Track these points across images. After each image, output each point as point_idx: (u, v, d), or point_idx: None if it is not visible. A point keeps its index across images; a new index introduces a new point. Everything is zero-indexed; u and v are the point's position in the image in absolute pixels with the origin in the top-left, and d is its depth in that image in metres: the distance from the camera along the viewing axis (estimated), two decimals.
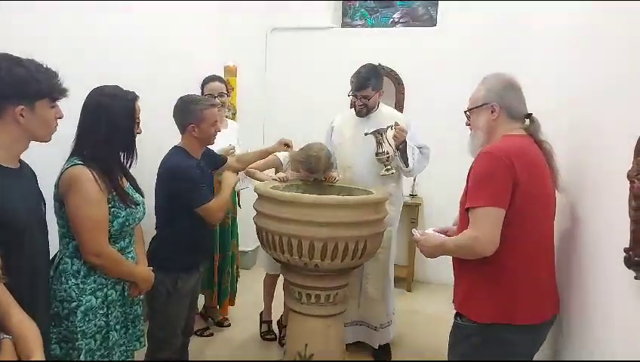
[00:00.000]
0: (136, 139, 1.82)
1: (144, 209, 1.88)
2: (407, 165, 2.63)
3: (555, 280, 1.68)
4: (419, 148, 2.71)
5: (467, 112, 1.81)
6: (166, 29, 3.15)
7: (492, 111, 1.71)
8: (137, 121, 1.82)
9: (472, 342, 1.64)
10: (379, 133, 2.55)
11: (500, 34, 3.77)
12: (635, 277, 1.17)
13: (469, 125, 1.83)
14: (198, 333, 3.06)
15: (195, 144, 2.21)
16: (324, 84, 4.28)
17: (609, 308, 1.38)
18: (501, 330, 1.59)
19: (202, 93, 2.90)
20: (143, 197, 1.89)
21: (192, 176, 2.09)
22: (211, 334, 3.14)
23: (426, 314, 3.66)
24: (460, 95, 3.80)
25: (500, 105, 1.69)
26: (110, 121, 1.70)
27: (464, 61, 3.98)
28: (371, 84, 2.69)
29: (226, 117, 3.17)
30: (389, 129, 2.54)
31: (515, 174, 1.54)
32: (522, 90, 1.72)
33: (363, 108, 2.74)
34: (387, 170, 2.57)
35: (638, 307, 1.19)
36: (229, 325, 3.30)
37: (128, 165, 1.81)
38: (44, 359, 1.27)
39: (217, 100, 2.82)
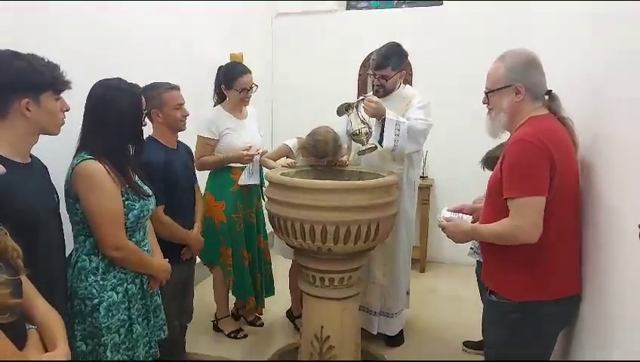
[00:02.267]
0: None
1: (155, 200, 1.89)
2: (380, 142, 2.40)
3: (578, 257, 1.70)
4: (415, 119, 2.48)
5: (487, 93, 1.76)
6: (170, 20, 3.13)
7: (517, 93, 1.67)
8: (145, 112, 1.82)
9: (511, 319, 1.67)
10: (347, 109, 2.42)
11: (508, 9, 3.71)
12: None
13: (486, 104, 1.79)
14: (231, 336, 2.96)
15: (164, 131, 2.19)
16: (332, 67, 4.26)
17: (624, 285, 1.38)
18: (540, 306, 1.63)
19: (229, 86, 2.76)
20: (150, 188, 1.89)
21: (150, 173, 1.98)
22: (245, 335, 2.98)
23: (441, 294, 3.68)
24: (469, 74, 3.81)
25: (525, 85, 1.65)
26: (117, 113, 1.69)
27: (472, 38, 3.93)
28: (391, 64, 2.55)
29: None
30: (360, 103, 2.42)
31: (553, 161, 1.55)
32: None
33: (380, 89, 2.61)
34: (362, 152, 2.42)
35: None
36: (262, 324, 3.14)
37: (136, 157, 1.82)
38: (68, 349, 1.31)
39: (250, 93, 2.77)
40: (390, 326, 2.86)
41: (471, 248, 2.60)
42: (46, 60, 1.48)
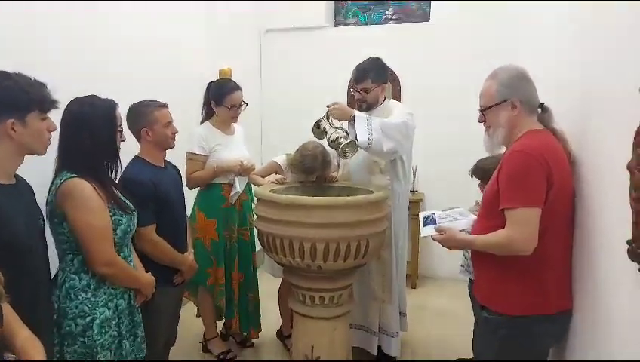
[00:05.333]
0: (124, 147, 1.82)
1: (137, 216, 1.88)
2: (356, 139, 2.38)
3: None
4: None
5: (482, 111, 1.78)
6: (157, 35, 3.12)
7: (512, 108, 1.68)
8: (120, 129, 1.81)
9: (501, 335, 1.67)
10: (318, 123, 2.47)
11: (495, 24, 3.76)
12: (639, 269, 1.16)
13: (482, 122, 1.80)
14: (220, 357, 2.88)
15: (153, 150, 2.17)
16: (320, 83, 4.27)
17: (614, 302, 1.37)
18: (531, 321, 1.62)
19: (219, 102, 2.74)
20: (135, 207, 1.87)
21: (139, 192, 1.97)
22: (235, 357, 2.90)
23: (433, 309, 3.65)
24: (457, 90, 3.87)
25: (520, 99, 1.67)
26: (92, 131, 1.68)
27: (460, 52, 3.97)
28: (371, 77, 2.57)
29: None
30: (327, 113, 2.46)
31: (550, 174, 1.56)
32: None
33: (363, 103, 2.63)
34: (345, 154, 2.42)
35: None
36: (252, 345, 3.05)
37: (112, 174, 1.80)
38: None
39: (240, 110, 2.77)
40: (392, 345, 2.77)
41: (462, 266, 2.58)
42: (32, 79, 1.46)
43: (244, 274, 2.91)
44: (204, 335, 2.98)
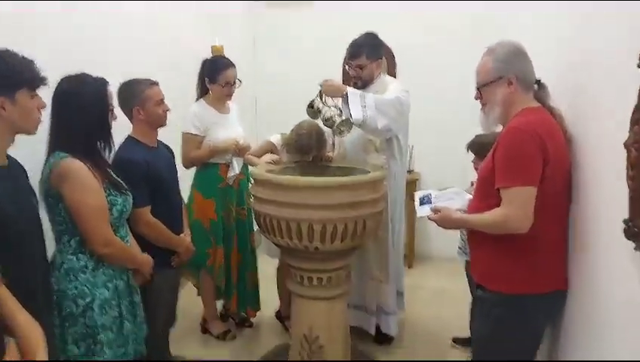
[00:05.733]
0: (115, 126, 1.80)
1: (132, 196, 1.87)
2: (351, 116, 2.35)
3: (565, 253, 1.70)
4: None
5: (479, 88, 1.76)
6: (149, 11, 3.03)
7: (509, 84, 1.67)
8: (111, 107, 1.78)
9: (496, 313, 1.68)
10: (312, 103, 2.44)
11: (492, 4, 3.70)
12: (635, 248, 1.15)
13: (478, 99, 1.78)
14: (220, 337, 2.90)
15: (145, 129, 2.15)
16: (315, 61, 4.20)
17: (610, 281, 1.37)
18: (526, 300, 1.63)
19: (213, 80, 2.71)
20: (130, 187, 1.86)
21: (132, 172, 1.96)
22: (234, 337, 2.94)
23: (429, 290, 3.67)
24: (453, 66, 3.82)
25: (516, 75, 1.66)
26: (82, 108, 1.66)
27: (457, 31, 3.91)
28: (365, 52, 2.54)
29: None
30: (320, 91, 2.43)
31: (546, 152, 1.55)
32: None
33: (358, 80, 2.59)
34: (340, 132, 2.40)
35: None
36: (251, 325, 3.08)
37: (106, 154, 1.79)
38: (47, 358, 1.27)
39: (234, 87, 2.76)
40: (391, 324, 2.81)
41: (459, 248, 2.59)
42: (20, 56, 1.44)
43: (242, 253, 2.92)
44: (203, 316, 3.01)
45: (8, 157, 1.50)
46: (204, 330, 3.01)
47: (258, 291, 3.05)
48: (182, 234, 2.28)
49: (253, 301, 3.03)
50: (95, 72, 1.76)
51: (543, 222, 1.58)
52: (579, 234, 1.63)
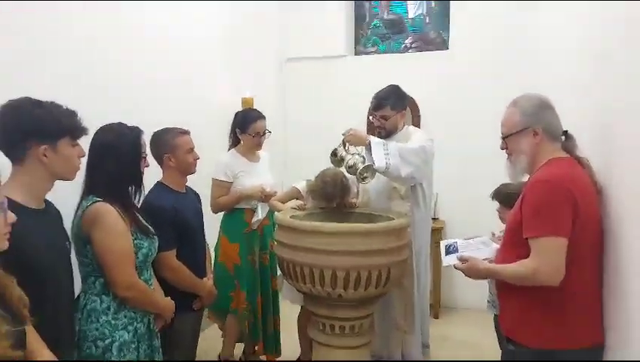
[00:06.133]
0: (146, 172, 1.88)
1: (158, 240, 1.90)
2: (374, 163, 2.38)
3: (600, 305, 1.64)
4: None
5: (504, 138, 1.77)
6: (182, 63, 3.20)
7: (534, 135, 1.67)
8: (144, 155, 1.87)
9: None
10: (335, 151, 2.52)
11: (514, 50, 3.76)
12: None
13: (504, 149, 1.79)
14: None
15: (175, 176, 2.21)
16: (342, 112, 4.29)
17: None
18: (556, 354, 1.57)
19: (244, 130, 2.85)
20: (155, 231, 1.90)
21: (161, 217, 2.00)
22: None
23: (456, 340, 3.54)
24: (477, 117, 3.84)
25: (542, 127, 1.66)
26: (118, 158, 1.75)
27: (479, 79, 3.95)
28: (389, 103, 2.61)
29: None
30: (343, 140, 2.50)
31: (576, 204, 1.53)
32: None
33: (382, 130, 2.65)
34: (363, 178, 2.42)
35: None
36: None
37: (135, 199, 1.86)
38: None
39: (264, 138, 2.88)
40: None
41: (488, 301, 2.52)
42: (64, 107, 1.53)
43: (264, 298, 2.93)
44: (219, 355, 2.98)
45: (45, 200, 1.56)
46: None
47: (279, 336, 3.03)
48: (205, 278, 2.29)
49: (273, 346, 3.00)
50: (133, 121, 1.86)
51: (574, 275, 1.54)
52: (614, 287, 1.57)
